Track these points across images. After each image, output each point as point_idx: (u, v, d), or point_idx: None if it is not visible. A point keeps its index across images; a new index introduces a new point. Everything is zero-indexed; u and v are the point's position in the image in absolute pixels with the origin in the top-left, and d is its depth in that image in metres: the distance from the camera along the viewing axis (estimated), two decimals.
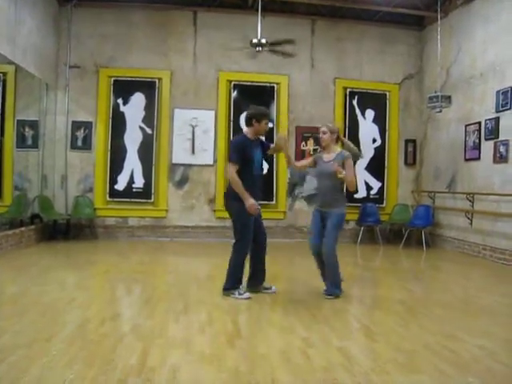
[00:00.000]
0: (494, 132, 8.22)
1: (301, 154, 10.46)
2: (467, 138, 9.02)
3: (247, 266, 5.26)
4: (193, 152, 10.16)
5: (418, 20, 10.69)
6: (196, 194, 10.21)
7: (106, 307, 4.76)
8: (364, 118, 10.67)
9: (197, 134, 10.16)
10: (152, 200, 10.06)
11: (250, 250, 5.22)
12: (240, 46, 9.84)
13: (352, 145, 5.64)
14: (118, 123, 9.94)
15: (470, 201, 8.73)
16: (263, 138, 5.66)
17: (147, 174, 10.03)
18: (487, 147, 8.41)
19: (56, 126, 9.72)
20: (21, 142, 8.67)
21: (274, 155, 10.29)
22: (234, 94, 10.30)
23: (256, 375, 3.04)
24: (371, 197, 10.49)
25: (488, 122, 8.38)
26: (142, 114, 10.04)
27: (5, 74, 7.92)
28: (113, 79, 9.92)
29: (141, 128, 10.04)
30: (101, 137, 9.89)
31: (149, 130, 10.06)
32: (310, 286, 5.93)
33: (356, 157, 5.67)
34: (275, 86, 10.40)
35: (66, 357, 3.23)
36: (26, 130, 8.84)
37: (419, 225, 9.79)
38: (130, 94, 9.98)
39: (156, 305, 4.84)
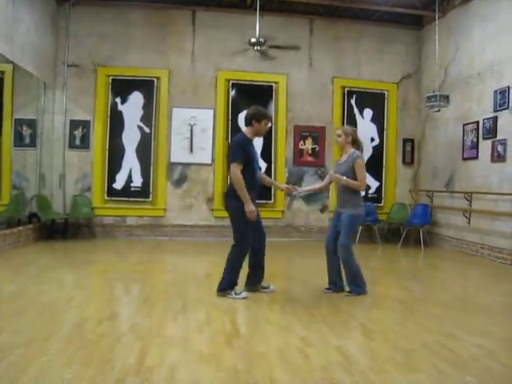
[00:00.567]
0: (491, 131, 8.23)
1: (299, 153, 10.48)
2: (465, 138, 9.03)
3: (245, 266, 5.25)
4: (191, 151, 10.15)
5: (416, 19, 10.70)
6: (194, 193, 10.21)
7: (104, 306, 4.76)
8: (362, 117, 10.67)
9: (195, 133, 10.15)
10: (150, 199, 10.06)
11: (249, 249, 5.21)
12: (238, 46, 9.85)
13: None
14: (116, 122, 9.93)
15: (468, 200, 8.74)
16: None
17: (145, 173, 10.03)
18: (485, 146, 8.43)
19: (54, 124, 9.70)
20: (19, 140, 8.65)
21: (273, 151, 10.32)
22: (233, 93, 10.29)
23: (254, 374, 3.04)
24: (369, 196, 10.49)
25: (486, 121, 8.39)
26: (141, 113, 10.03)
27: (2, 72, 7.90)
28: (111, 78, 9.91)
29: (139, 127, 10.03)
30: (99, 136, 9.87)
31: (147, 129, 10.05)
32: (308, 285, 5.94)
33: None
34: (273, 85, 10.40)
35: (64, 356, 3.22)
36: (24, 128, 8.82)
37: (417, 224, 9.81)
38: (128, 93, 9.97)
39: (154, 304, 4.84)
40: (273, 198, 10.28)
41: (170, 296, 5.17)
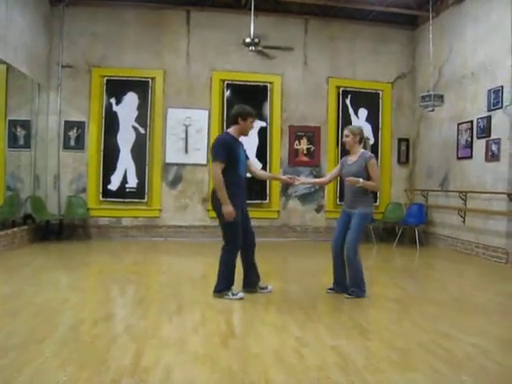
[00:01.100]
0: (485, 130, 8.26)
1: (294, 153, 10.49)
2: (459, 137, 9.07)
3: (240, 267, 5.25)
4: (186, 151, 10.14)
5: (410, 19, 10.73)
6: (189, 193, 10.19)
7: (99, 308, 4.74)
8: (357, 117, 10.69)
9: (190, 133, 10.14)
10: (145, 200, 10.04)
11: (240, 250, 5.17)
12: (233, 46, 9.85)
13: None
14: (111, 123, 9.90)
15: (463, 199, 8.77)
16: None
17: (140, 173, 10.01)
18: (479, 146, 8.46)
19: (48, 125, 9.66)
20: (13, 142, 8.62)
21: (268, 151, 10.32)
22: (228, 93, 10.28)
23: (249, 375, 3.04)
24: None
25: (480, 120, 8.42)
26: (135, 113, 10.01)
27: None
28: (105, 79, 9.88)
29: (134, 128, 10.01)
30: (94, 137, 9.85)
31: (142, 130, 10.03)
32: (304, 285, 5.94)
33: None
34: (268, 85, 10.40)
35: (60, 358, 3.21)
36: (18, 130, 8.79)
37: (412, 223, 9.83)
38: (122, 94, 9.95)
39: (149, 305, 4.83)
40: (268, 198, 10.28)
41: (166, 297, 5.16)
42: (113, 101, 9.92)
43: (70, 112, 9.79)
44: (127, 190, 9.96)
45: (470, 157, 8.72)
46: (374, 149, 10.70)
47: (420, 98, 9.21)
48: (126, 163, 9.96)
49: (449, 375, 3.12)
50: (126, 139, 9.95)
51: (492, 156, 8.09)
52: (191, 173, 10.18)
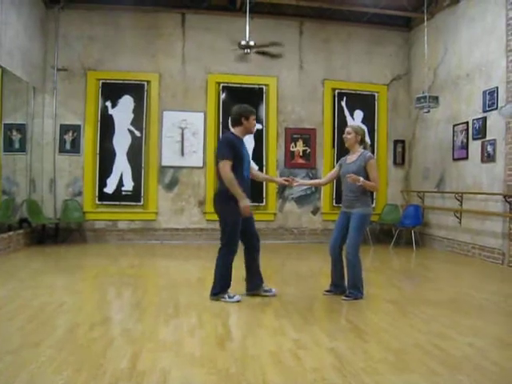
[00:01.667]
0: (481, 132, 8.29)
1: (290, 156, 10.50)
2: (455, 138, 9.09)
3: (238, 268, 5.24)
4: (182, 154, 10.13)
5: (405, 21, 10.78)
6: (186, 196, 10.18)
7: (95, 311, 4.73)
8: (353, 118, 10.70)
9: (186, 136, 10.14)
10: (142, 203, 10.03)
11: (244, 253, 5.18)
12: (228, 48, 9.86)
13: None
14: (107, 126, 9.89)
15: (459, 200, 8.79)
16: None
17: (136, 176, 9.99)
18: (475, 147, 8.48)
19: (44, 129, 9.65)
20: (8, 145, 8.59)
21: (264, 154, 10.32)
22: (223, 95, 10.29)
23: (246, 377, 3.03)
24: None
25: (475, 121, 8.45)
26: (131, 116, 10.00)
27: None
28: (101, 82, 9.88)
29: (130, 131, 10.00)
30: (89, 140, 9.83)
31: (138, 133, 10.02)
32: (300, 287, 5.94)
33: None
34: (264, 87, 10.42)
35: (56, 362, 3.20)
36: (14, 133, 8.76)
37: (409, 224, 9.85)
38: (118, 97, 9.94)
39: (146, 308, 4.82)
40: (264, 200, 10.28)
41: (162, 300, 5.16)
42: (108, 104, 9.92)
43: (66, 115, 9.77)
44: (123, 193, 9.95)
45: (466, 158, 8.74)
46: (370, 150, 10.72)
47: (415, 100, 9.23)
48: (121, 166, 9.95)
49: (445, 375, 3.12)
50: (121, 142, 9.94)
51: (488, 157, 8.11)
52: (187, 175, 10.17)
